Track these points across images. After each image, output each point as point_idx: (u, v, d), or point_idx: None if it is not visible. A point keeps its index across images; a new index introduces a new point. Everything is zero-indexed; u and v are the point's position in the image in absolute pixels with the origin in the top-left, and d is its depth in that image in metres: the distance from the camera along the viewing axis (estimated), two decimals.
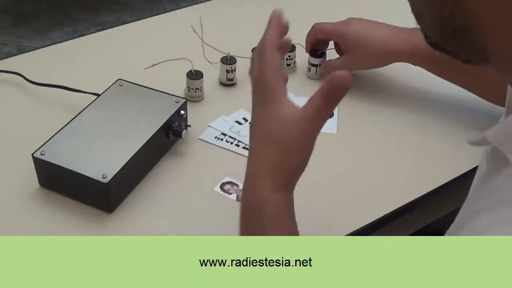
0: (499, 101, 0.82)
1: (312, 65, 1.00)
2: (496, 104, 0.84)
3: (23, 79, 0.95)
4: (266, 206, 0.58)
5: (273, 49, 0.60)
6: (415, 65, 0.90)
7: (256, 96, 0.61)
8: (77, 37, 1.14)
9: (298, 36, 1.04)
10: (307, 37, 0.97)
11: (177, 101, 0.85)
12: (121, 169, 0.74)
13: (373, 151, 0.88)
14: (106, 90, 0.87)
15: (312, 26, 0.96)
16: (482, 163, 0.58)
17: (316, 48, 0.98)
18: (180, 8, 1.21)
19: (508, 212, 0.45)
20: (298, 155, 0.59)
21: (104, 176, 0.73)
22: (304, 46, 1.03)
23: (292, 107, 0.59)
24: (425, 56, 0.86)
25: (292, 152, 0.59)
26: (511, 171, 0.47)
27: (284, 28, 0.63)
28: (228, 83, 0.98)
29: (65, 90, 0.92)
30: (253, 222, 0.60)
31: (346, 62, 0.92)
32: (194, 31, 1.11)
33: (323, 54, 0.99)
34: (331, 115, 0.93)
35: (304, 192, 0.81)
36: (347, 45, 0.92)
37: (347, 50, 0.93)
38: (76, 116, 0.82)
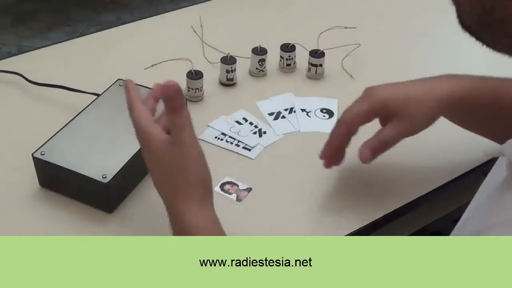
0: None
1: (312, 65, 1.00)
2: None
3: (23, 79, 0.95)
4: (195, 228, 0.63)
5: (137, 103, 0.67)
6: (459, 114, 0.76)
7: (141, 146, 0.67)
8: (77, 37, 1.14)
9: (298, 36, 1.04)
10: (332, 140, 0.76)
11: None
12: (121, 169, 0.74)
13: None
14: (106, 90, 0.87)
15: (338, 122, 0.76)
16: (500, 169, 0.56)
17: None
18: (180, 8, 1.21)
19: None
20: (187, 172, 0.64)
21: (104, 176, 0.73)
22: (304, 46, 1.03)
23: (162, 139, 0.64)
24: (477, 97, 0.73)
25: (182, 172, 0.64)
26: None
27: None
28: (228, 83, 0.98)
29: (65, 90, 0.92)
30: None
31: (398, 128, 0.72)
32: (194, 31, 1.11)
33: (323, 54, 1.00)
34: (331, 115, 0.93)
35: (304, 192, 0.81)
36: (390, 110, 0.73)
37: (392, 116, 0.73)
38: (76, 116, 0.82)
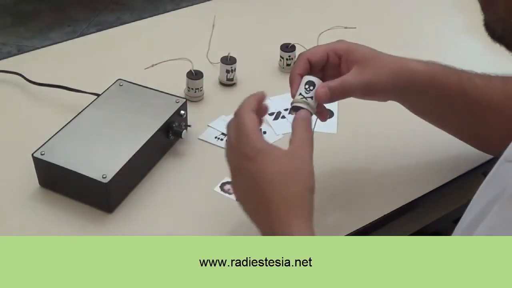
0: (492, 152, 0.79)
1: None
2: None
3: (23, 79, 0.95)
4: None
5: (249, 110, 0.64)
6: (422, 95, 0.74)
7: (238, 156, 0.64)
8: (77, 37, 1.14)
9: (298, 36, 1.04)
10: (294, 70, 0.71)
11: (177, 101, 0.85)
12: (121, 169, 0.74)
13: (373, 151, 0.87)
14: (106, 90, 0.87)
15: (299, 55, 0.73)
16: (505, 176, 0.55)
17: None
18: (180, 8, 1.21)
19: None
20: (307, 182, 0.65)
21: (104, 176, 0.73)
22: (304, 46, 1.03)
23: (279, 149, 0.63)
24: (443, 83, 0.73)
25: (303, 182, 0.65)
26: None
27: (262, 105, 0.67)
28: (228, 83, 0.98)
29: (65, 90, 0.92)
30: None
31: (359, 75, 0.69)
32: (195, 31, 1.11)
33: None
34: (331, 115, 0.93)
35: None
36: (354, 56, 0.71)
37: (354, 62, 0.70)
38: (76, 116, 0.82)
